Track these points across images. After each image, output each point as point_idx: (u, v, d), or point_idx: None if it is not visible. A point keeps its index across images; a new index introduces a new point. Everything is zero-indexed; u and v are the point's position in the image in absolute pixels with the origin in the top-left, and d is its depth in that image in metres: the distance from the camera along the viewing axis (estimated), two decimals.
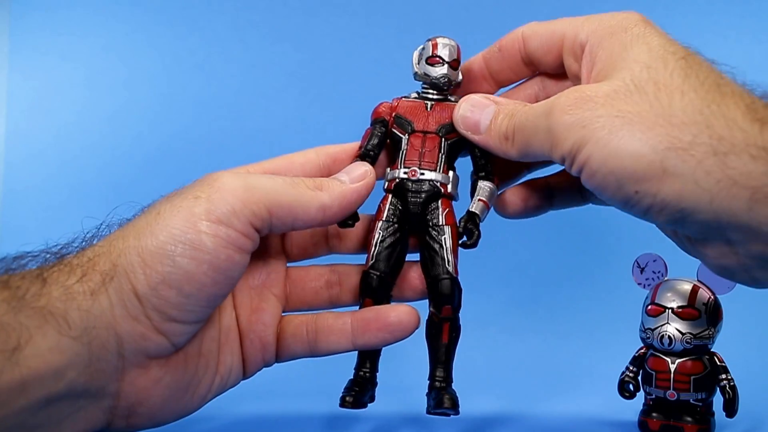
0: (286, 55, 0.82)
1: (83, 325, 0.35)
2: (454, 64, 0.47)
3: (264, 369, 0.46)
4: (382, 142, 0.47)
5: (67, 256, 0.37)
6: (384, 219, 0.45)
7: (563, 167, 0.41)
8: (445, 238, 0.44)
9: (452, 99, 0.47)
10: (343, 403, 0.44)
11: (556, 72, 0.47)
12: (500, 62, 0.47)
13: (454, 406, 0.42)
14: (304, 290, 0.47)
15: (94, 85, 0.83)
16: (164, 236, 0.36)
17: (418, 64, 0.47)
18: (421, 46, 0.48)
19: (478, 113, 0.44)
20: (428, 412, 0.43)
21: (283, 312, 0.46)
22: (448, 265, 0.44)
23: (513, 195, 0.47)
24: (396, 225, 0.45)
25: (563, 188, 0.48)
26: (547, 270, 0.51)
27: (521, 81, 0.49)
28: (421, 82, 0.48)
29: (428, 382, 0.44)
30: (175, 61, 0.83)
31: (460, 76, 0.48)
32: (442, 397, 0.42)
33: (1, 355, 0.32)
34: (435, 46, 0.47)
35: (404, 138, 0.46)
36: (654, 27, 0.41)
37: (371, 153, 0.46)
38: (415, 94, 0.48)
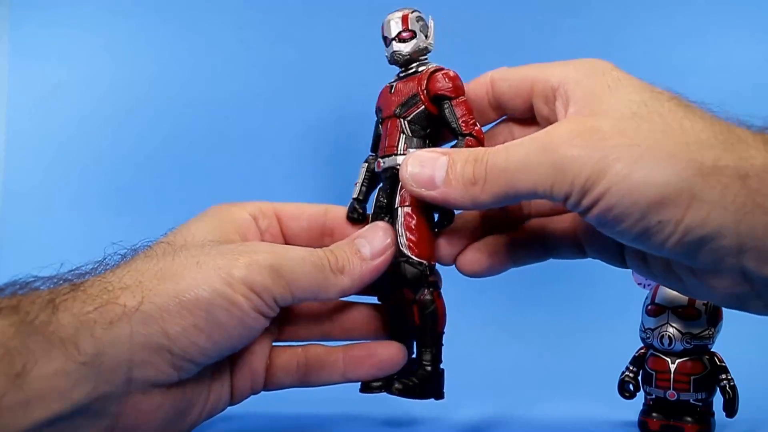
0: (286, 55, 0.82)
1: (95, 351, 0.36)
2: (401, 36, 0.45)
3: None
4: None
5: (81, 284, 0.38)
6: (372, 213, 0.47)
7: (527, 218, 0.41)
8: (398, 221, 0.44)
9: (420, 70, 0.46)
10: (364, 389, 0.46)
11: (524, 116, 0.46)
12: None
13: (404, 393, 0.43)
14: (296, 323, 0.47)
15: (94, 85, 0.83)
16: (205, 287, 0.38)
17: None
18: None
19: (429, 168, 0.41)
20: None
21: (274, 342, 0.47)
22: (403, 247, 0.44)
23: (474, 253, 0.46)
24: (383, 216, 0.46)
25: (527, 244, 0.47)
26: (547, 269, 0.51)
27: (490, 126, 0.48)
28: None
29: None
30: (175, 60, 0.83)
31: (422, 43, 0.46)
32: (392, 381, 0.44)
33: (6, 379, 0.33)
34: (383, 28, 0.46)
35: (381, 128, 0.47)
36: (628, 74, 0.40)
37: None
38: (395, 76, 0.47)
